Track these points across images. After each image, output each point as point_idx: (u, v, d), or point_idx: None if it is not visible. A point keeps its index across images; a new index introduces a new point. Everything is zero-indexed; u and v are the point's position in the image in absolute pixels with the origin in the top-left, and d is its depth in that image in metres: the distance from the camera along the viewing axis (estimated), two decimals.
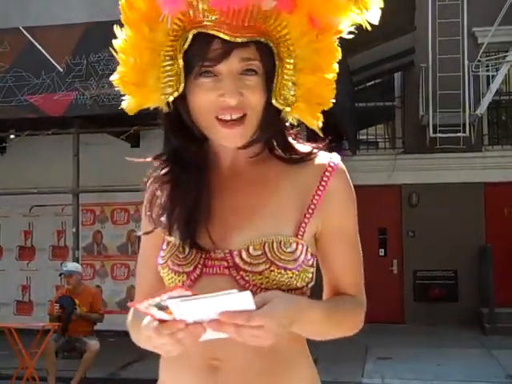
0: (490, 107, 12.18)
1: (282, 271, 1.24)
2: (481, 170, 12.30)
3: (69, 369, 7.42)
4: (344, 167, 1.35)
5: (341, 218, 1.34)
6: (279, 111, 1.30)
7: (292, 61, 1.27)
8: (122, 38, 1.28)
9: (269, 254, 1.24)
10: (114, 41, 1.28)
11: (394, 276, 12.81)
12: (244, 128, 1.26)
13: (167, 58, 1.25)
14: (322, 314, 1.26)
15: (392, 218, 12.77)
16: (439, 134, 11.76)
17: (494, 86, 11.60)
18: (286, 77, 1.27)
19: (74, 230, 9.52)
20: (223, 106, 1.23)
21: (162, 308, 1.09)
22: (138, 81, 1.27)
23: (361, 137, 13.66)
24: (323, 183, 1.31)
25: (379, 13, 1.30)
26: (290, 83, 1.28)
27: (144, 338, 1.18)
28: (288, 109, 1.29)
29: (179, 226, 1.29)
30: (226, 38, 1.20)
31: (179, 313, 1.08)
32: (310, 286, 1.31)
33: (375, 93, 13.84)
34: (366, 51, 10.72)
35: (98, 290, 8.34)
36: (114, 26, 1.28)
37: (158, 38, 1.25)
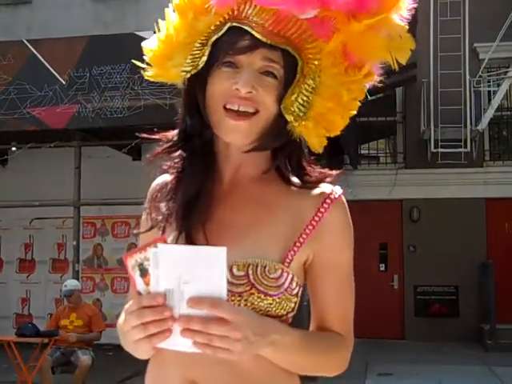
0: (491, 123, 12.20)
1: (262, 296, 1.22)
2: (482, 185, 12.29)
3: None
4: (344, 201, 1.33)
5: (333, 252, 1.31)
6: (286, 125, 1.29)
7: (314, 83, 1.27)
8: (168, 20, 1.33)
9: (251, 277, 1.22)
10: (159, 20, 1.34)
11: (394, 291, 12.76)
12: (250, 124, 1.25)
13: (199, 44, 1.29)
14: (301, 343, 1.23)
15: (393, 232, 12.75)
16: (440, 149, 11.77)
17: (496, 102, 11.62)
18: (302, 93, 1.27)
19: (74, 242, 9.51)
20: (234, 94, 1.24)
21: (143, 271, 1.11)
22: (165, 54, 1.31)
23: (362, 151, 13.66)
24: (319, 214, 1.29)
25: (409, 55, 1.30)
26: (304, 100, 1.28)
27: (122, 325, 1.18)
28: (295, 123, 1.28)
29: (177, 218, 1.29)
30: (257, 35, 1.23)
31: (155, 271, 1.09)
32: (290, 315, 1.28)
33: (377, 107, 13.86)
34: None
35: (97, 309, 8.29)
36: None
37: (198, 27, 1.29)
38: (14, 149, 10.45)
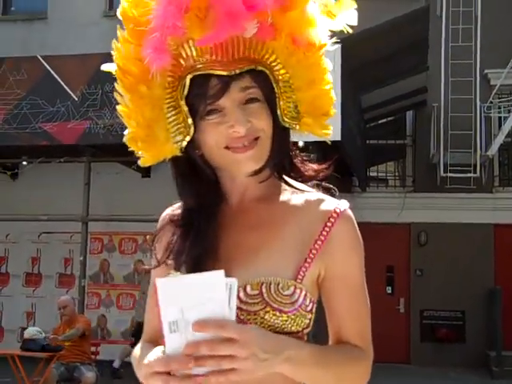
0: (501, 149, 12.19)
1: (277, 313, 1.23)
2: (491, 211, 12.26)
3: None
4: (351, 214, 1.34)
5: (344, 266, 1.31)
6: (286, 133, 1.33)
7: (287, 81, 1.31)
8: (122, 103, 1.31)
9: (265, 295, 1.23)
10: (117, 107, 1.32)
11: (400, 315, 12.69)
12: (257, 149, 1.27)
13: (170, 108, 1.28)
14: (318, 356, 1.23)
15: (400, 256, 12.71)
16: (450, 174, 11.76)
17: (506, 128, 11.61)
18: (286, 97, 1.31)
19: (81, 258, 9.53)
20: (234, 136, 1.25)
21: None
22: (147, 137, 1.30)
23: (371, 174, 13.67)
24: (327, 229, 1.30)
25: (356, 14, 1.34)
26: (292, 102, 1.32)
27: (142, 372, 1.18)
28: (297, 126, 1.33)
29: (187, 267, 1.29)
30: (222, 73, 1.23)
31: (164, 301, 1.10)
32: (306, 331, 1.29)
33: (387, 130, 13.90)
34: (379, 89, 10.80)
35: (87, 319, 8.33)
36: (114, 94, 1.32)
37: (155, 94, 1.28)
38: (24, 163, 10.53)
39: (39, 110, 8.62)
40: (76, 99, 8.57)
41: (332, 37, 1.34)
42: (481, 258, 12.21)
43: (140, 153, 1.33)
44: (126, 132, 1.32)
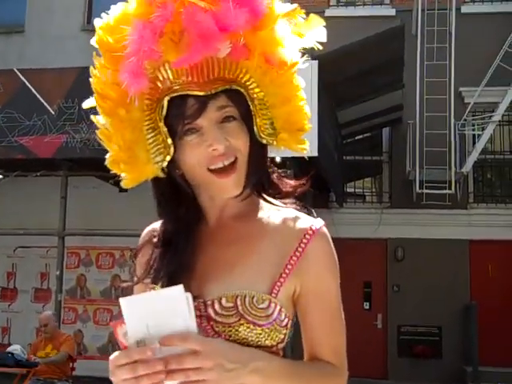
0: (475, 165, 12.34)
1: (251, 326, 1.26)
2: (466, 227, 12.38)
3: None
4: (326, 232, 1.37)
5: (318, 282, 1.33)
6: (263, 150, 1.38)
7: (262, 99, 1.35)
8: (101, 127, 1.34)
9: (240, 308, 1.26)
10: (96, 131, 1.35)
11: (377, 331, 12.73)
12: (237, 174, 1.31)
13: (149, 130, 1.31)
14: (289, 369, 1.25)
15: (377, 271, 12.77)
16: (425, 190, 11.87)
17: (480, 145, 11.77)
18: (261, 115, 1.35)
19: (57, 272, 9.45)
20: (213, 155, 1.28)
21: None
22: (127, 159, 1.33)
23: (348, 189, 13.75)
24: (302, 245, 1.33)
25: (325, 31, 1.38)
26: (267, 119, 1.35)
27: (110, 374, 1.19)
28: (274, 142, 1.37)
29: (163, 283, 1.32)
30: (198, 93, 1.27)
31: (124, 327, 1.13)
32: (280, 346, 1.31)
33: (363, 147, 14.01)
34: (356, 105, 10.92)
35: (71, 337, 8.23)
36: (92, 117, 1.35)
37: (135, 117, 1.31)
38: (0, 176, 10.44)
39: (15, 123, 8.57)
40: (53, 113, 8.54)
41: (304, 55, 1.38)
42: (457, 274, 12.31)
43: (122, 175, 1.35)
44: (107, 155, 1.35)
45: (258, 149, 1.35)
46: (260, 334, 1.26)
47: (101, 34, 1.30)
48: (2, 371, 7.57)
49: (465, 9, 12.86)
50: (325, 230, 1.37)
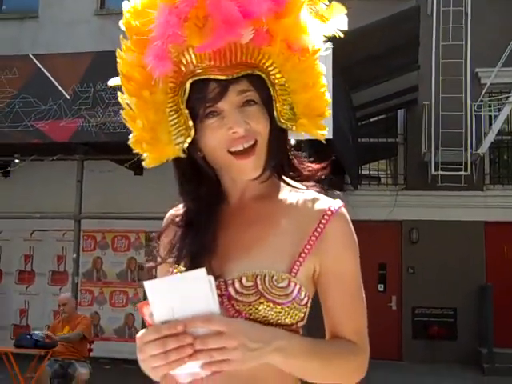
0: (491, 147, 12.26)
1: (271, 304, 1.28)
2: (482, 208, 12.34)
3: None
4: (345, 213, 1.39)
5: (338, 263, 1.35)
6: (283, 134, 1.40)
7: (283, 85, 1.37)
8: (126, 108, 1.37)
9: (260, 287, 1.28)
10: (121, 111, 1.38)
11: (392, 312, 12.75)
12: (256, 157, 1.34)
13: (172, 112, 1.35)
14: (310, 348, 1.28)
15: (392, 253, 12.77)
16: (441, 172, 11.82)
17: (496, 126, 11.69)
18: (282, 100, 1.37)
19: (74, 255, 9.53)
20: (234, 137, 1.31)
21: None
22: (150, 139, 1.36)
23: (363, 172, 13.73)
24: (321, 225, 1.35)
25: (346, 19, 1.40)
26: (287, 104, 1.38)
27: (138, 351, 1.22)
28: (293, 127, 1.39)
29: (186, 262, 1.36)
30: (220, 77, 1.29)
31: (149, 309, 1.16)
32: (300, 324, 1.33)
33: (378, 129, 13.95)
34: (370, 87, 10.85)
35: (88, 317, 8.31)
36: (119, 98, 1.38)
37: (158, 99, 1.34)
38: (17, 161, 10.52)
39: (31, 108, 8.61)
40: (68, 97, 8.57)
41: (326, 42, 1.40)
42: (472, 256, 12.28)
43: (144, 154, 1.39)
44: (130, 136, 1.38)
45: (277, 133, 1.37)
46: (280, 312, 1.28)
47: (128, 17, 1.33)
48: (20, 352, 7.68)
49: None
50: (344, 210, 1.39)
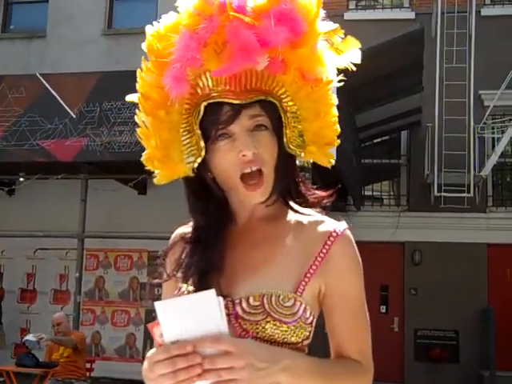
0: (494, 169, 12.27)
1: (278, 323, 1.30)
2: (484, 230, 12.31)
3: None
4: (350, 235, 1.43)
5: (342, 284, 1.39)
6: (292, 160, 1.44)
7: (295, 112, 1.41)
8: (142, 126, 1.43)
9: (266, 306, 1.31)
10: (137, 130, 1.44)
11: (394, 334, 12.69)
12: (264, 187, 1.38)
13: (185, 132, 1.40)
14: (316, 367, 1.30)
15: (394, 275, 12.74)
16: (444, 194, 11.82)
17: (499, 149, 11.70)
18: (292, 127, 1.41)
19: (77, 274, 9.53)
20: (243, 160, 1.35)
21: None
22: (162, 157, 1.42)
23: (366, 193, 13.73)
24: (326, 247, 1.39)
25: (359, 53, 1.45)
26: (297, 131, 1.42)
27: (147, 371, 1.23)
28: (302, 154, 1.43)
29: (194, 280, 1.39)
30: (233, 101, 1.34)
31: (159, 329, 1.19)
32: (306, 343, 1.36)
33: (381, 150, 13.98)
34: (374, 109, 10.90)
35: (83, 333, 8.34)
36: (135, 116, 1.44)
37: (173, 119, 1.40)
38: (21, 179, 10.57)
39: (37, 127, 8.67)
40: (74, 116, 8.64)
41: (339, 74, 1.44)
42: (474, 278, 12.24)
43: (156, 172, 1.44)
44: (143, 153, 1.44)
45: (285, 159, 1.41)
46: (286, 331, 1.31)
47: (150, 40, 1.40)
48: (22, 371, 7.66)
49: (485, 11, 12.78)
50: (348, 232, 1.42)
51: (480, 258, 12.36)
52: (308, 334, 1.36)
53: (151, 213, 10.29)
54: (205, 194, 1.44)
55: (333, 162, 1.48)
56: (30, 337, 7.86)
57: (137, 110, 1.43)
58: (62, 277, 12.01)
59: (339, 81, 1.44)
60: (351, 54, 1.45)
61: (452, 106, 11.87)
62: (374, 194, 13.90)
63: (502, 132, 12.00)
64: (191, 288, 1.38)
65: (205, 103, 1.36)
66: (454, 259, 12.23)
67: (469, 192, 11.70)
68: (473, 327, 12.03)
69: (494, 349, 11.06)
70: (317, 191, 1.50)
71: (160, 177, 1.45)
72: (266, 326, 1.31)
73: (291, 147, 1.41)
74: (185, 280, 1.41)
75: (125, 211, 11.08)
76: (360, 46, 1.44)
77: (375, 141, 13.75)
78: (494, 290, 12.28)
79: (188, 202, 1.47)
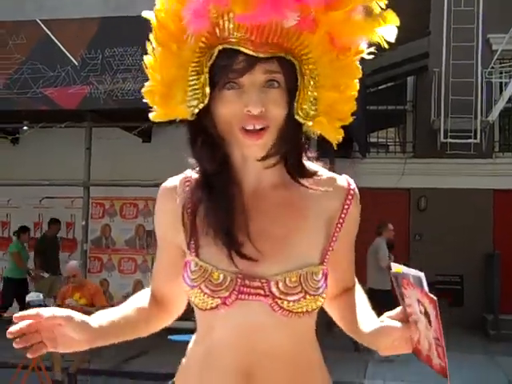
0: (501, 114, 12.16)
1: (313, 298, 1.32)
2: (490, 176, 12.28)
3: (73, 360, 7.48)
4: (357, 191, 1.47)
5: (352, 235, 1.47)
6: (299, 126, 1.34)
7: (314, 78, 1.31)
8: (151, 55, 1.34)
9: (303, 285, 1.31)
10: (145, 57, 1.35)
11: None
12: (264, 141, 1.30)
13: (193, 72, 1.31)
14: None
15: (400, 221, 12.76)
16: (450, 140, 11.76)
17: (507, 94, 11.57)
18: (307, 92, 1.31)
19: (83, 222, 9.58)
20: (245, 116, 1.27)
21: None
22: (165, 94, 1.33)
23: (371, 139, 13.66)
24: (345, 209, 1.41)
25: (395, 32, 1.34)
26: (312, 98, 1.32)
27: None
28: (310, 123, 1.33)
29: (221, 238, 1.32)
30: (250, 52, 1.25)
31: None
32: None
33: (387, 96, 13.84)
34: (380, 54, 10.74)
35: (99, 287, 8.39)
36: (146, 43, 1.34)
37: (184, 55, 1.30)
38: (25, 128, 10.53)
39: (39, 74, 8.58)
40: (76, 64, 8.53)
41: (369, 46, 1.34)
42: (480, 224, 12.27)
43: (154, 107, 1.36)
44: (146, 84, 1.36)
45: (291, 124, 1.32)
46: (321, 302, 1.36)
47: None
48: None
49: None
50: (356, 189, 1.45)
51: (486, 203, 12.37)
52: (325, 295, 1.37)
53: (156, 160, 10.25)
54: (209, 141, 1.35)
55: (340, 139, 1.38)
56: (33, 297, 7.90)
57: (150, 35, 1.33)
58: (69, 225, 12.08)
59: (369, 53, 1.35)
60: (387, 29, 1.34)
61: (459, 50, 11.70)
62: (380, 140, 13.83)
63: (510, 77, 11.84)
64: (208, 266, 1.32)
65: (220, 47, 1.27)
66: (460, 205, 12.24)
67: (475, 138, 11.64)
68: (477, 272, 12.13)
69: (498, 293, 11.17)
70: (318, 163, 1.42)
71: (158, 113, 1.36)
72: (303, 302, 1.31)
73: (300, 114, 1.32)
74: (206, 230, 1.34)
75: (129, 159, 11.05)
76: (398, 23, 1.33)
77: (381, 87, 13.59)
78: (500, 235, 12.33)
79: (193, 150, 1.38)
